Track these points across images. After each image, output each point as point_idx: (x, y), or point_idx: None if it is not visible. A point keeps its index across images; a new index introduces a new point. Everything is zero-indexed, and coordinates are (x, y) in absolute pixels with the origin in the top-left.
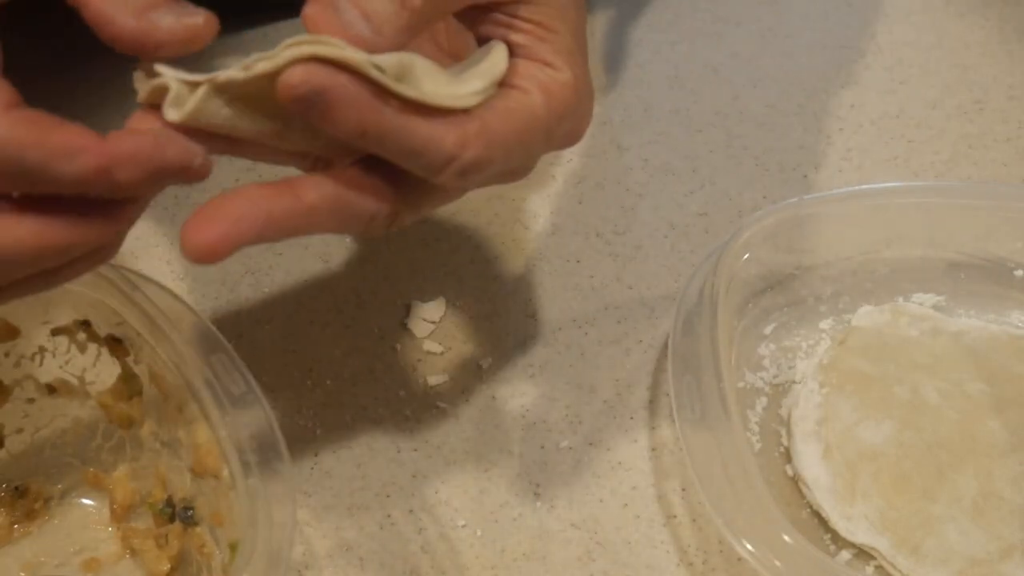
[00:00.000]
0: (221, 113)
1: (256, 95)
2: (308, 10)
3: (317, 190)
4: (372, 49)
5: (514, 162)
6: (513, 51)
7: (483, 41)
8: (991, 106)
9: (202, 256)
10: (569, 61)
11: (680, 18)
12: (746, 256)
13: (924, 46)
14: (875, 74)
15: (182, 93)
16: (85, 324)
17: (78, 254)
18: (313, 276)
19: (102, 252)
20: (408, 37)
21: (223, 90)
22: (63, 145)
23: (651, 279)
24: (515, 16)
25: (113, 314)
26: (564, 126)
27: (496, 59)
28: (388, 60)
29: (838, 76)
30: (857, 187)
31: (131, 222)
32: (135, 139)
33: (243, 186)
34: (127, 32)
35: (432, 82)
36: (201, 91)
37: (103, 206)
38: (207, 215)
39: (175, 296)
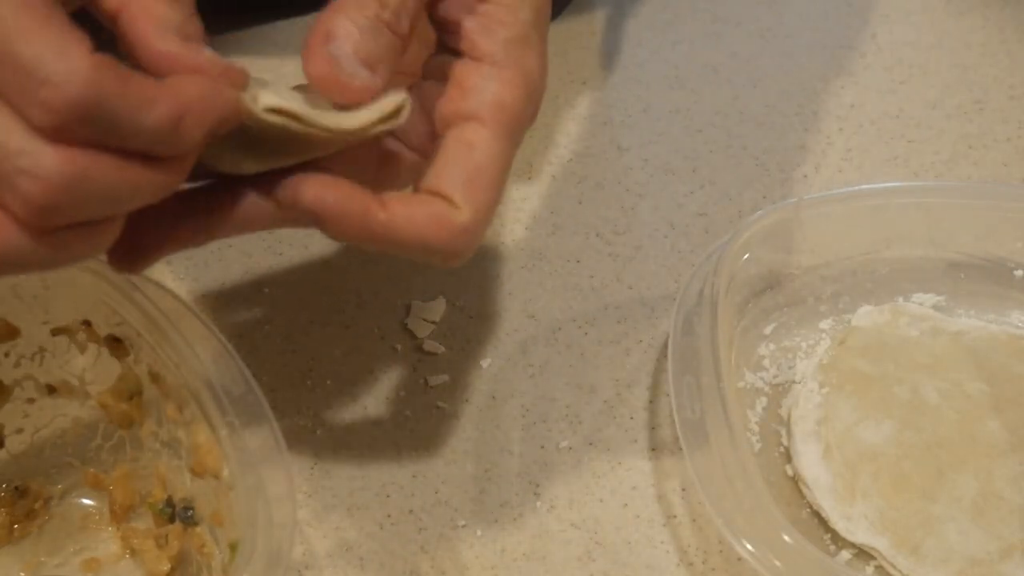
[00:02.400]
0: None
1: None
2: (313, 71)
3: (242, 208)
4: (374, 92)
5: (501, 184)
6: (463, 40)
7: (442, 27)
8: (991, 106)
9: (122, 268)
10: (520, 54)
11: (680, 18)
12: (746, 256)
13: (924, 46)
14: (875, 74)
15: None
16: (85, 324)
17: (147, 198)
18: (313, 276)
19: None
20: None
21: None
22: (143, 94)
23: (651, 279)
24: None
25: (113, 314)
26: (524, 124)
27: (391, 98)
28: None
29: (838, 76)
30: (857, 187)
31: (186, 174)
32: (193, 82)
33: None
34: (161, 53)
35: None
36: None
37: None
38: (128, 229)
39: (175, 296)
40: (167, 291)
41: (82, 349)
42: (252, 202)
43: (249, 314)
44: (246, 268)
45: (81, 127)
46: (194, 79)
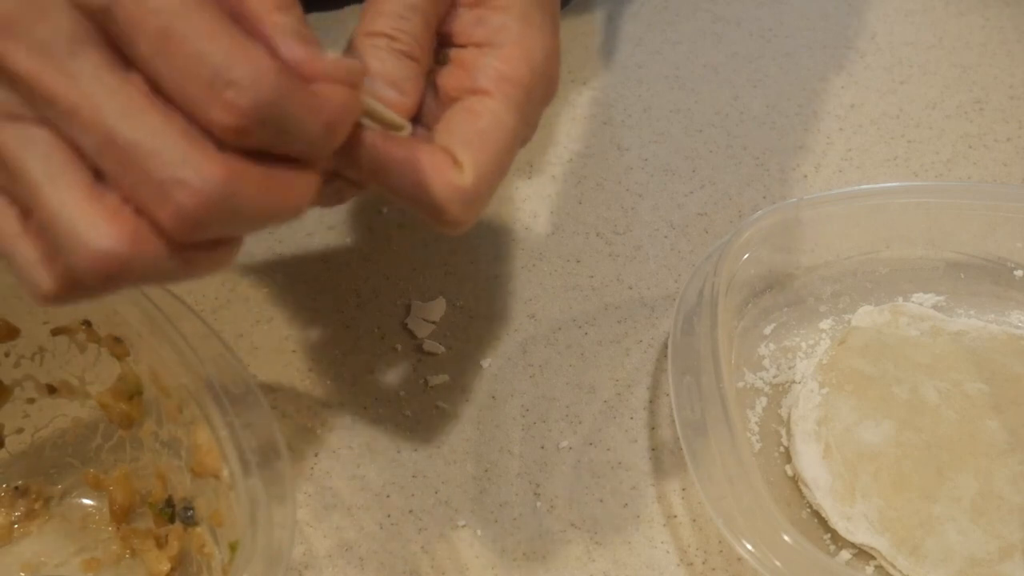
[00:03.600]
0: None
1: None
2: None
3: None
4: (407, 109)
5: (509, 160)
6: (461, 36)
7: (445, 39)
8: (991, 106)
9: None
10: (519, 33)
11: (680, 18)
12: (746, 256)
13: (924, 46)
14: (875, 74)
15: None
16: (85, 324)
17: (281, 220)
18: (313, 276)
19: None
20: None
21: None
22: (312, 100)
23: (651, 279)
24: None
25: (113, 314)
26: (532, 100)
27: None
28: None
29: (838, 76)
30: (857, 187)
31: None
32: (343, 92)
33: None
34: (293, 62)
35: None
36: None
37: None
38: None
39: (175, 296)
40: (167, 291)
41: (82, 349)
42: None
43: (249, 314)
44: (246, 268)
45: (260, 129)
46: (336, 87)
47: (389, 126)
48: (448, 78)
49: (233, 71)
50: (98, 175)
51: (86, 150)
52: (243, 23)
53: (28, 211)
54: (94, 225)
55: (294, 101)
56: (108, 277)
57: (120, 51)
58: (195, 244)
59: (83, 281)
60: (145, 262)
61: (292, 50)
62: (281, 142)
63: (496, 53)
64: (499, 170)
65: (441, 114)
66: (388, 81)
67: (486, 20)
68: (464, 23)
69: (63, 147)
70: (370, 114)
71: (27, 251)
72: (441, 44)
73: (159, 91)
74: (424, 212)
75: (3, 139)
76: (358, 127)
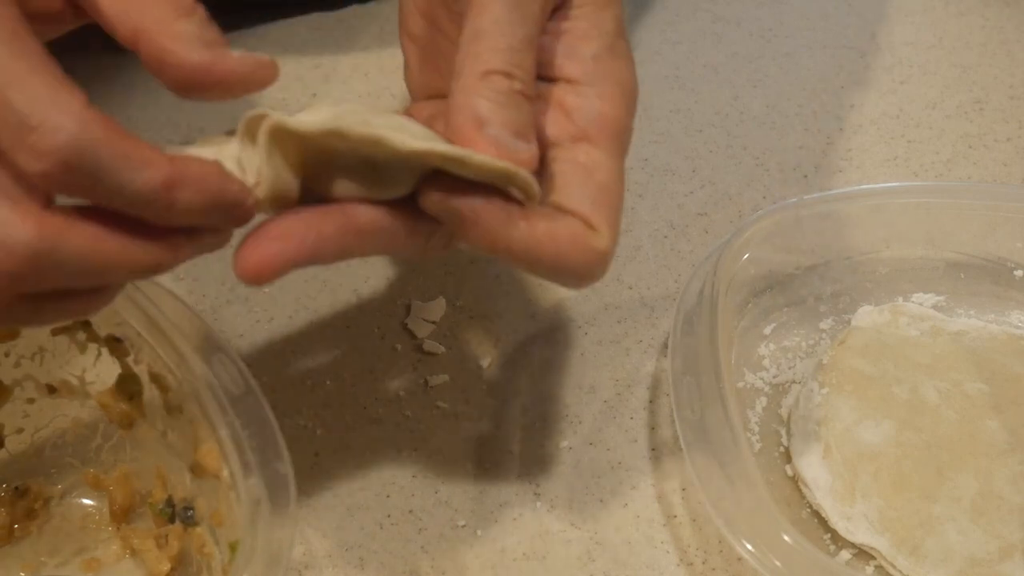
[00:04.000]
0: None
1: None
2: (456, 122)
3: (369, 213)
4: (537, 159)
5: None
6: (551, 67)
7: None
8: (991, 106)
9: (251, 277)
10: (611, 66)
11: (680, 18)
12: (746, 256)
13: (924, 46)
14: (875, 74)
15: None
16: (85, 324)
17: (124, 276)
18: (313, 276)
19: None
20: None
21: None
22: (135, 153)
23: (651, 279)
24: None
25: (113, 314)
26: (629, 135)
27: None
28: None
29: (838, 76)
30: (857, 187)
31: (179, 258)
32: (201, 163)
33: (291, 211)
34: (193, 65)
35: None
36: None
37: (154, 230)
38: (258, 235)
39: (175, 296)
40: (167, 291)
41: (82, 349)
42: (385, 219)
43: (249, 314)
44: None
45: (68, 176)
46: (203, 163)
47: (522, 188)
48: (547, 121)
49: (35, 116)
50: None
51: None
52: (143, 36)
53: None
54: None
55: (110, 150)
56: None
57: None
58: (36, 295)
59: None
60: (57, 252)
61: (197, 55)
62: (104, 191)
63: (594, 92)
64: (620, 218)
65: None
66: (513, 131)
67: (577, 52)
68: (551, 54)
69: None
70: (508, 178)
71: None
72: None
73: None
74: (559, 279)
75: None
76: (484, 200)
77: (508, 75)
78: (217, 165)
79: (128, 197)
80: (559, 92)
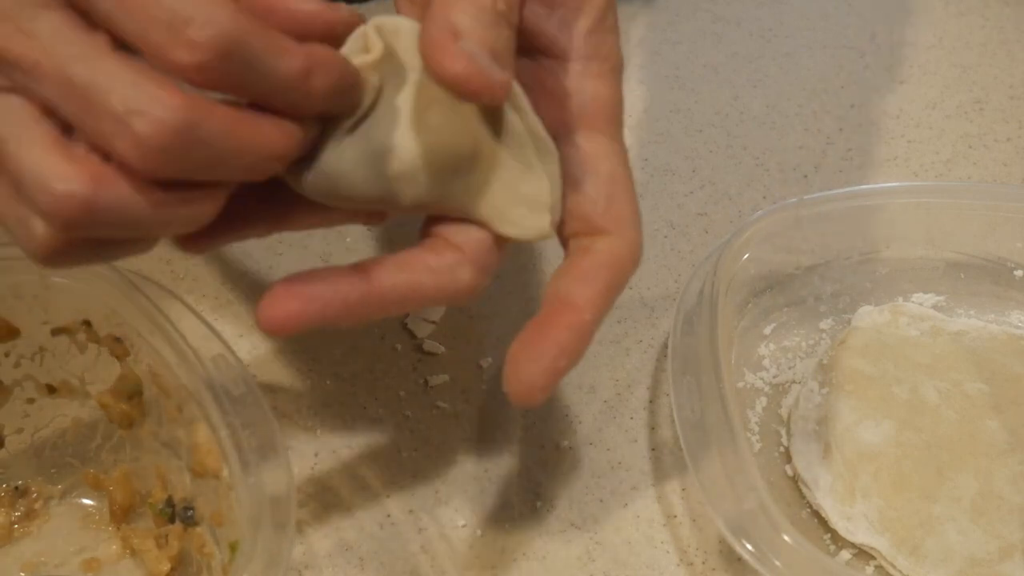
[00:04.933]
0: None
1: None
2: (452, 69)
3: (391, 277)
4: (508, 88)
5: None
6: (540, 37)
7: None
8: (991, 106)
9: (274, 329)
10: (601, 40)
11: (680, 18)
12: (746, 256)
13: (924, 46)
14: (875, 74)
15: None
16: (85, 324)
17: (255, 162)
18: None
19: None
20: None
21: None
22: (279, 42)
23: (651, 279)
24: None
25: (113, 314)
26: (623, 110)
27: (556, 185)
28: None
29: (838, 76)
30: (857, 187)
31: (298, 148)
32: (326, 49)
33: (323, 268)
34: (308, 12)
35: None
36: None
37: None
38: (285, 291)
39: (175, 296)
40: (167, 291)
41: (82, 349)
42: (408, 285)
43: (249, 314)
44: (246, 268)
45: (223, 64)
46: (325, 47)
47: (532, 133)
48: (541, 108)
49: (192, 11)
50: (67, 130)
51: (53, 105)
52: None
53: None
54: (56, 170)
55: (259, 40)
56: (73, 222)
57: (84, 14)
58: (166, 187)
59: (59, 230)
60: (109, 203)
61: (300, 3)
62: (252, 79)
63: (587, 72)
64: (637, 201)
65: None
66: (490, 51)
67: (570, 26)
68: (543, 24)
69: (31, 107)
70: (517, 109)
71: (17, 211)
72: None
73: (125, 47)
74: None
75: None
76: None
77: None
78: (335, 51)
79: (273, 84)
80: (547, 72)
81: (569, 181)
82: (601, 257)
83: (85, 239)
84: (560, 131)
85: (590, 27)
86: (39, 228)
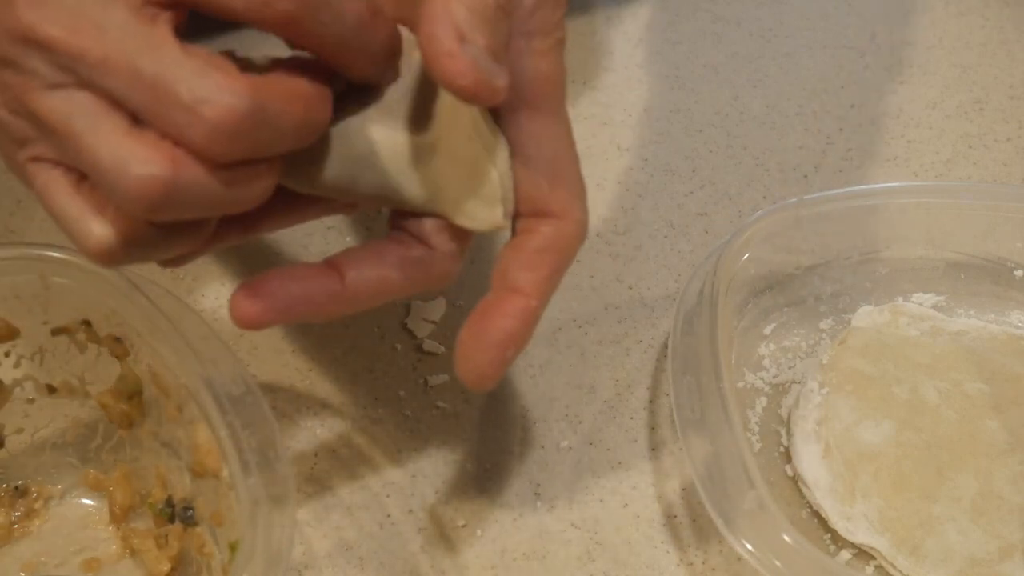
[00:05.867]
0: None
1: None
2: (458, 79)
3: (361, 274)
4: (507, 89)
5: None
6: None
7: None
8: (991, 106)
9: (243, 325)
10: (546, 14)
11: (680, 18)
12: (746, 256)
13: (924, 46)
14: (875, 74)
15: None
16: (85, 324)
17: (307, 133)
18: None
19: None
20: None
21: None
22: (312, 92)
23: (651, 279)
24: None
25: (113, 314)
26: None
27: (506, 179)
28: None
29: (838, 76)
30: (857, 187)
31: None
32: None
33: (295, 265)
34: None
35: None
36: None
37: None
38: (254, 289)
39: (175, 296)
40: (167, 291)
41: (82, 349)
42: (380, 282)
43: None
44: (246, 268)
45: (310, 16)
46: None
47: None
48: None
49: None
50: (135, 120)
51: (121, 98)
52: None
53: (80, 174)
54: (135, 155)
55: None
56: (156, 204)
57: (149, 4)
58: (234, 164)
59: (135, 217)
60: (188, 183)
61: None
62: (322, 16)
63: (531, 50)
64: (582, 180)
65: None
66: (492, 51)
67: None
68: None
69: (101, 101)
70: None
71: (79, 207)
72: None
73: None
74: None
75: (49, 106)
76: None
77: None
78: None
79: (340, 33)
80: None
81: (514, 163)
82: (546, 241)
83: (145, 233)
84: (502, 112)
85: (534, 2)
86: (99, 226)
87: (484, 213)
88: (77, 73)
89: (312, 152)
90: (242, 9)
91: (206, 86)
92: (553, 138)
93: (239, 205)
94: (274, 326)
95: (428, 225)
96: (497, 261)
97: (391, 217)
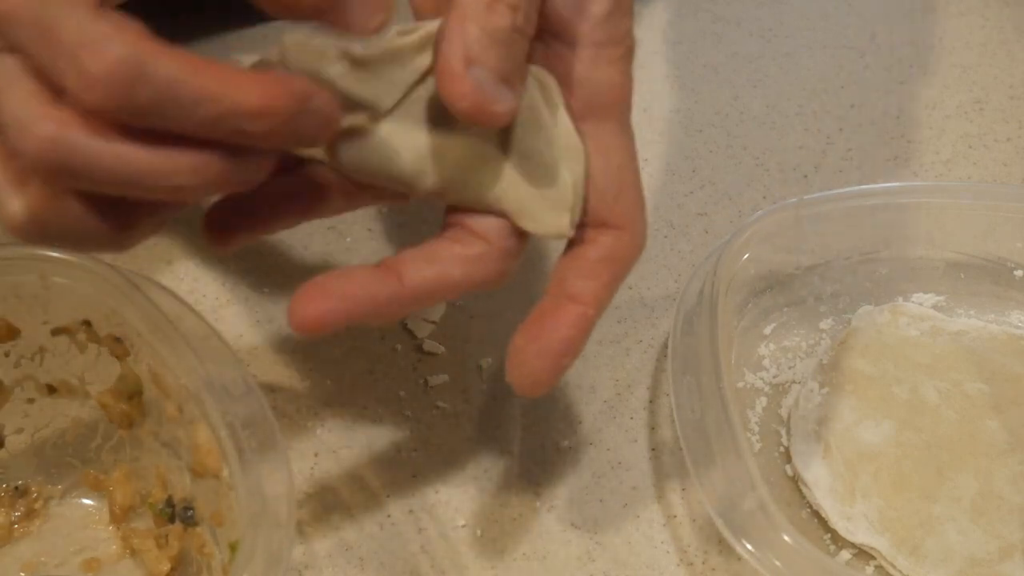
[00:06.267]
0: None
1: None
2: (459, 101)
3: (420, 272)
4: (514, 111)
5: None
6: (552, 20)
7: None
8: (991, 106)
9: (307, 328)
10: (617, 24)
11: (680, 18)
12: (746, 256)
13: (924, 46)
14: (875, 74)
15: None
16: (85, 324)
17: (222, 188)
18: (312, 276)
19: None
20: None
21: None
22: (229, 74)
23: (651, 279)
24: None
25: (113, 314)
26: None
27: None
28: None
29: (838, 76)
30: (857, 187)
31: (264, 172)
32: (290, 78)
33: (351, 267)
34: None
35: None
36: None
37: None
38: (315, 291)
39: (175, 296)
40: (167, 291)
41: (82, 349)
42: (437, 280)
43: (249, 314)
44: (246, 268)
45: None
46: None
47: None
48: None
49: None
50: (54, 89)
51: (27, 52)
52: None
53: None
54: (33, 113)
55: (202, 77)
56: (51, 165)
57: None
58: (134, 139)
59: (51, 191)
60: (75, 145)
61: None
62: (195, 121)
63: (601, 58)
64: (642, 190)
65: None
66: (500, 74)
67: (586, 9)
68: (562, 6)
69: (20, 64)
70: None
71: (2, 178)
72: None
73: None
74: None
75: None
76: None
77: (513, 7)
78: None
79: (226, 118)
80: (556, 59)
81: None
82: (606, 251)
83: (61, 209)
84: (573, 120)
85: (606, 11)
86: (13, 201)
87: (551, 219)
88: (5, 37)
89: (379, 141)
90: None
91: (89, 32)
92: (619, 149)
93: (138, 179)
94: (334, 329)
95: (489, 223)
96: (555, 270)
97: (447, 212)
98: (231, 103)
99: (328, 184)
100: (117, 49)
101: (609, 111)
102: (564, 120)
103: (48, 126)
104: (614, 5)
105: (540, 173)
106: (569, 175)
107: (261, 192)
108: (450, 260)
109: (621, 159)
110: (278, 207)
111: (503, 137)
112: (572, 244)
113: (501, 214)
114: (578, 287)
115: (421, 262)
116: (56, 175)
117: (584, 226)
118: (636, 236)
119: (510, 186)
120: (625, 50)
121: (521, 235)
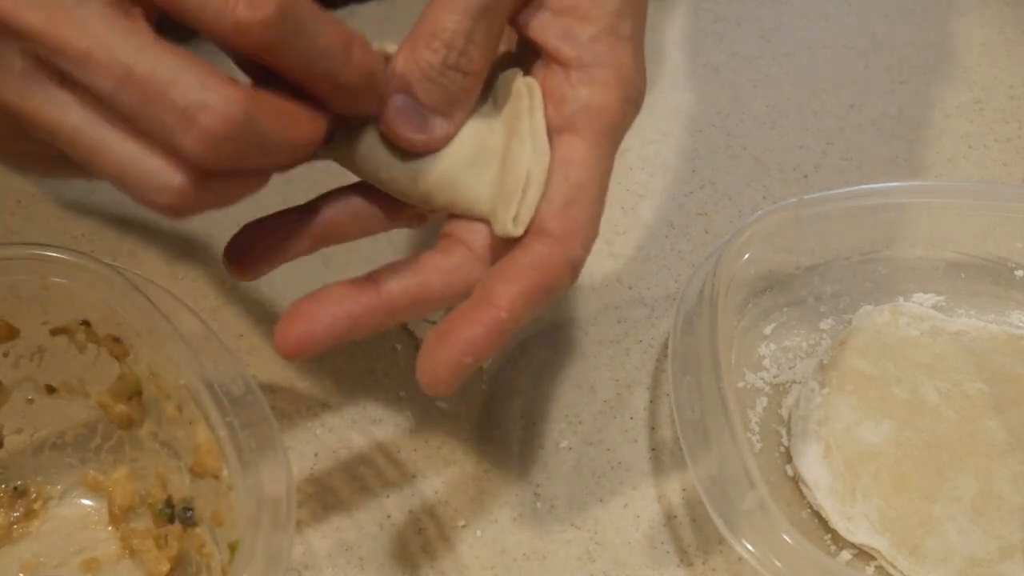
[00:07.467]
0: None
1: None
2: (387, 121)
3: (399, 283)
4: (443, 140)
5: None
6: (546, 45)
7: (523, 30)
8: (991, 106)
9: (292, 354)
10: (609, 50)
11: (680, 18)
12: (746, 256)
13: (924, 46)
14: (875, 74)
15: None
16: (85, 324)
17: (299, 147)
18: (313, 276)
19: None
20: None
21: None
22: (319, 16)
23: (651, 279)
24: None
25: (113, 314)
26: (624, 126)
27: (535, 188)
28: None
29: (838, 76)
30: (857, 187)
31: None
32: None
33: (331, 285)
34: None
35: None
36: None
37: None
38: (297, 316)
39: (175, 296)
40: (167, 291)
41: (81, 349)
42: (416, 289)
43: (249, 314)
44: None
45: (280, 36)
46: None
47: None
48: None
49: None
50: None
51: (106, 96)
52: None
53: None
54: (223, 94)
55: (304, 12)
56: (236, 138)
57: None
58: (220, 174)
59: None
60: (172, 193)
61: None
62: (302, 43)
63: (585, 79)
64: (597, 216)
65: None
66: (431, 105)
67: (573, 33)
68: (550, 33)
69: (88, 103)
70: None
71: (148, 164)
72: (519, 32)
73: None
74: (541, 303)
75: (33, 108)
76: None
77: (448, 45)
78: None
79: (318, 53)
80: (549, 78)
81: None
82: (534, 258)
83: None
84: (550, 131)
85: (595, 35)
86: (176, 175)
87: (504, 218)
88: (57, 67)
89: (376, 141)
90: (216, 31)
91: (203, 91)
92: (585, 167)
93: (207, 209)
94: (321, 351)
95: (474, 229)
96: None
97: (446, 222)
98: (358, 60)
99: (341, 215)
100: (231, 109)
101: (586, 129)
102: (539, 126)
103: (237, 96)
104: (605, 31)
105: (511, 178)
106: (532, 177)
107: (279, 223)
108: (431, 269)
109: (583, 177)
110: (295, 235)
111: (490, 144)
112: (511, 248)
113: (481, 217)
114: (498, 290)
115: (401, 273)
116: (231, 150)
117: (528, 232)
118: (570, 250)
119: (490, 191)
120: (614, 75)
121: (506, 240)
